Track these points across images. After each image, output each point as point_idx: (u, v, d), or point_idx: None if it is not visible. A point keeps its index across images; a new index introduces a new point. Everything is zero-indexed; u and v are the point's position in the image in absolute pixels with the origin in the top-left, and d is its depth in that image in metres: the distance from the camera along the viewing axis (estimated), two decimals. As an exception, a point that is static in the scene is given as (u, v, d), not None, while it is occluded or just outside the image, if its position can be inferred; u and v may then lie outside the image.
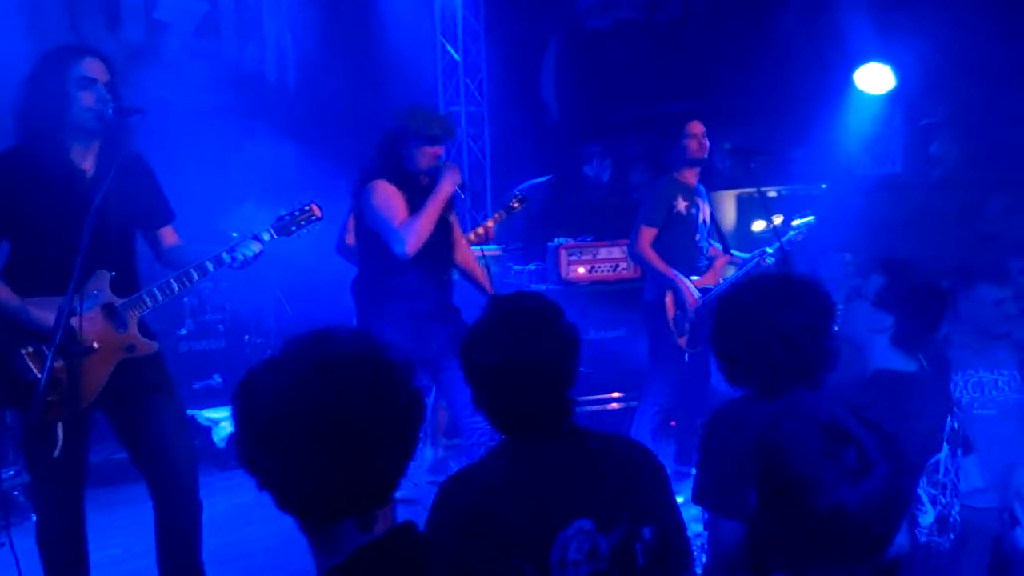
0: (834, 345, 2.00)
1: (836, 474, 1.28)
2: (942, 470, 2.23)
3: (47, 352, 2.53)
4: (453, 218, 3.73)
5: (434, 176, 3.52)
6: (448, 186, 3.47)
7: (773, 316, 1.93)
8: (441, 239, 3.56)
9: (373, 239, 3.51)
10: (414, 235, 3.37)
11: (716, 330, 2.05)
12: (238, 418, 1.28)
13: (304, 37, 7.17)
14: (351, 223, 4.31)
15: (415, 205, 3.44)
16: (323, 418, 1.21)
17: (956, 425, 2.28)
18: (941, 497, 2.22)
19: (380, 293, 3.54)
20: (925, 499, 2.20)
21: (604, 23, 8.13)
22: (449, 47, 7.61)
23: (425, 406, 1.36)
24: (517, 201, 4.99)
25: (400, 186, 3.47)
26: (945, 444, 2.24)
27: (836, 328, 2.05)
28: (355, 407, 1.23)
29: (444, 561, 1.37)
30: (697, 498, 2.00)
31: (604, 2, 8.11)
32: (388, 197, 3.43)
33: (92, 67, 2.60)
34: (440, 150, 3.56)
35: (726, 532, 1.90)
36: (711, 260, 4.72)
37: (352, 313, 3.76)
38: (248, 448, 1.27)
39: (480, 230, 4.95)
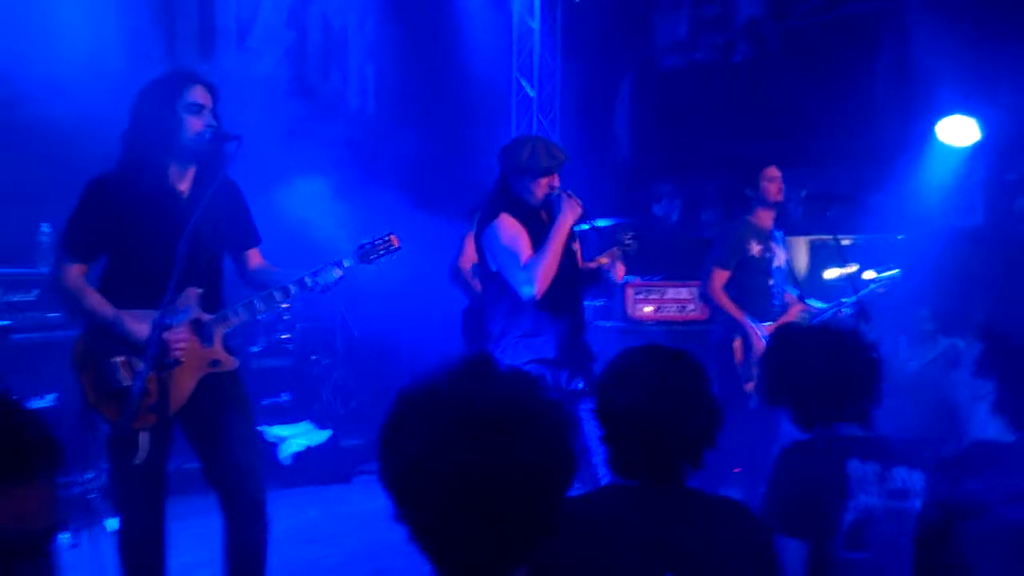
0: (873, 388, 2.15)
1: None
2: None
3: (137, 362, 2.65)
4: (576, 246, 3.55)
5: (551, 210, 3.34)
6: (569, 218, 3.30)
7: (808, 364, 2.15)
8: (569, 274, 3.37)
9: (494, 281, 3.34)
10: (541, 274, 3.18)
11: (764, 360, 2.33)
12: (384, 449, 1.18)
13: (385, 68, 7.38)
14: (467, 248, 4.35)
15: (537, 241, 3.27)
16: (469, 478, 1.10)
17: None
18: None
19: (507, 341, 3.32)
20: None
21: (679, 64, 8.16)
22: (524, 83, 7.73)
23: (575, 472, 1.21)
24: (631, 238, 4.88)
25: (523, 221, 3.30)
26: None
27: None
28: (505, 471, 1.10)
29: None
30: (764, 520, 2.00)
31: (680, 43, 8.15)
32: (514, 235, 3.24)
33: (200, 94, 2.75)
34: (555, 179, 3.39)
35: (792, 551, 1.96)
36: (785, 306, 4.62)
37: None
38: (393, 488, 1.17)
39: (592, 266, 4.83)
